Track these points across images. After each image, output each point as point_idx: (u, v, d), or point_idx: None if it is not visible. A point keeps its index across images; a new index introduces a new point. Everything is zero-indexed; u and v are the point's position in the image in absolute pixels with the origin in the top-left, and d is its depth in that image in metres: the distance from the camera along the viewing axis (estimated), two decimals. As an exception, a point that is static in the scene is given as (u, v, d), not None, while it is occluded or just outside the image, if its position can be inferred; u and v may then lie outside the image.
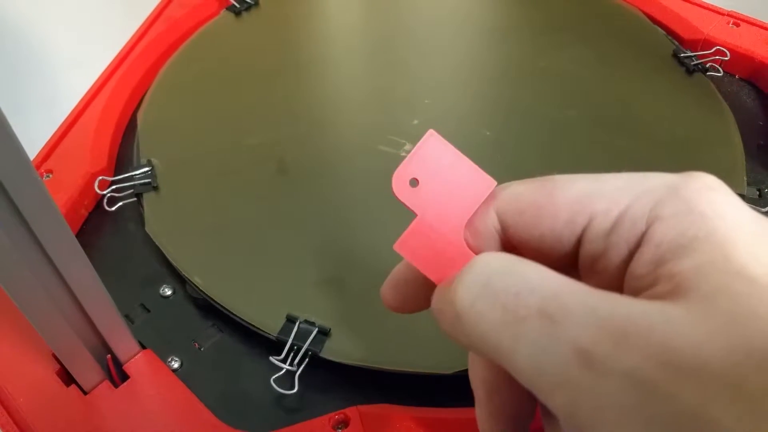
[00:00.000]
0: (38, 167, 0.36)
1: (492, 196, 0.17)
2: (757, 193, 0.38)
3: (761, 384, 0.11)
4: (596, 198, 0.15)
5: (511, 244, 0.17)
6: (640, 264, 0.14)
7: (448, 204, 0.17)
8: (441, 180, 0.17)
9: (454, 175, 0.17)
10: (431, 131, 0.17)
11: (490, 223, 0.17)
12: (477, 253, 0.16)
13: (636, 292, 0.14)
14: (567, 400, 0.12)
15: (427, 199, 0.17)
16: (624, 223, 0.15)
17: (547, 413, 0.16)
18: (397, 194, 0.17)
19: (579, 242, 0.15)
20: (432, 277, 0.16)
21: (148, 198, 0.36)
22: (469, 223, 0.17)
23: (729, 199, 0.14)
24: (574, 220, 0.15)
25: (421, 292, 0.18)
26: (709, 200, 0.14)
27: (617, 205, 0.15)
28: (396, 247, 0.17)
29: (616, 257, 0.15)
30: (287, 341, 0.29)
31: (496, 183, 0.17)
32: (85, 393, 0.28)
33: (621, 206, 0.15)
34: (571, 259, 0.16)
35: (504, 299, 0.13)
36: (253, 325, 0.30)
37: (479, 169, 0.17)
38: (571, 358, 0.12)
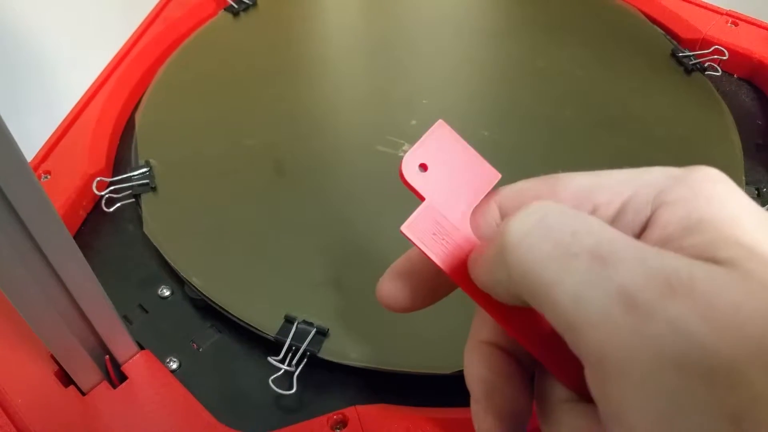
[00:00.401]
0: (36, 168, 0.36)
1: (493, 192, 0.17)
2: (756, 191, 0.38)
3: None
4: (599, 190, 0.15)
5: None
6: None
7: (454, 192, 0.17)
8: (448, 168, 0.17)
9: (460, 165, 0.17)
10: (441, 121, 0.17)
11: (491, 217, 0.17)
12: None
13: None
14: (602, 339, 0.12)
15: (434, 185, 0.17)
16: (628, 212, 0.15)
17: (545, 411, 0.16)
18: (406, 177, 0.17)
19: None
20: (437, 261, 0.16)
21: (146, 199, 0.36)
22: (471, 217, 0.17)
23: (732, 188, 0.14)
24: (579, 208, 0.15)
25: (421, 284, 0.18)
26: (714, 189, 0.14)
27: (620, 195, 0.15)
28: (403, 229, 0.17)
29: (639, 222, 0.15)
30: (285, 341, 0.29)
31: (500, 175, 0.17)
32: (83, 394, 0.28)
33: (624, 196, 0.15)
34: None
35: (558, 236, 0.13)
36: (252, 326, 0.30)
37: (485, 160, 0.17)
38: (616, 298, 0.12)
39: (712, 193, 0.14)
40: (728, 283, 0.12)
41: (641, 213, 0.15)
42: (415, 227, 0.17)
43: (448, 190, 0.17)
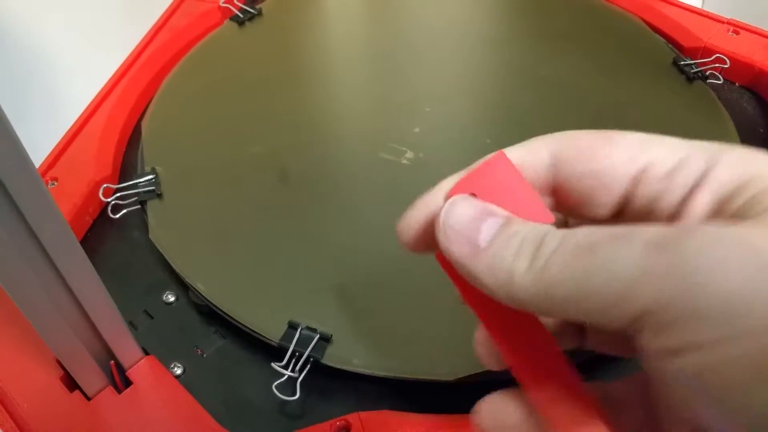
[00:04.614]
0: (43, 175, 0.37)
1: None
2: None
3: None
4: (654, 147, 0.15)
5: (553, 189, 0.17)
6: (700, 202, 0.14)
7: None
8: (499, 202, 0.16)
9: (513, 201, 0.16)
10: (501, 151, 0.16)
11: (540, 160, 0.16)
12: None
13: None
14: (653, 290, 0.12)
15: None
16: (684, 167, 0.15)
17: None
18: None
19: (632, 185, 0.15)
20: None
21: (152, 205, 0.36)
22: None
23: None
24: (635, 159, 0.15)
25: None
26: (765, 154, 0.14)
27: (675, 153, 0.15)
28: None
29: (674, 198, 0.15)
30: (289, 348, 0.29)
31: (554, 219, 0.16)
32: (88, 399, 0.28)
33: (680, 154, 0.15)
34: (615, 207, 0.16)
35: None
36: (256, 332, 0.30)
37: (541, 200, 0.16)
38: (645, 247, 0.12)
39: (765, 156, 0.14)
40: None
41: (697, 168, 0.15)
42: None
43: None
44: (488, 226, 0.15)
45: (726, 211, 0.14)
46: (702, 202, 0.14)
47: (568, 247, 0.13)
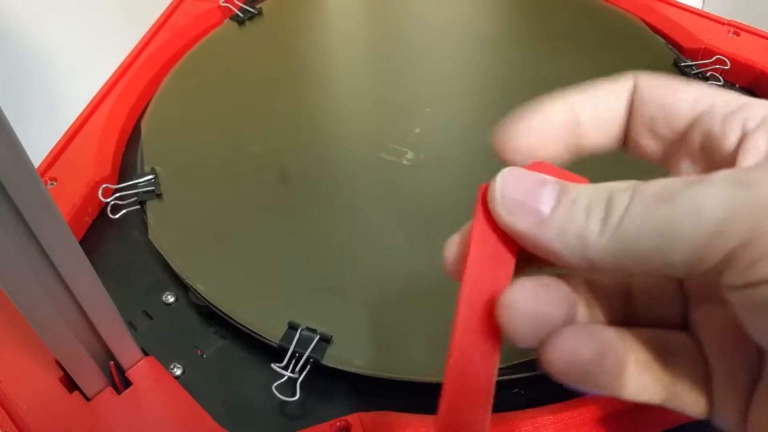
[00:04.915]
0: (42, 175, 0.37)
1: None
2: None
3: None
4: (720, 93, 0.16)
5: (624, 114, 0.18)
6: (759, 143, 0.15)
7: None
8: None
9: (551, 173, 0.16)
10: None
11: (627, 87, 0.18)
12: None
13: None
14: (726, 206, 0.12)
15: None
16: (742, 111, 0.15)
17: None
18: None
19: (691, 126, 0.16)
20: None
21: (151, 206, 0.36)
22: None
23: None
24: (699, 101, 0.16)
25: None
26: None
27: (738, 100, 0.16)
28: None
29: (732, 140, 0.15)
30: (289, 348, 0.29)
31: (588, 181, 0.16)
32: (88, 399, 0.28)
33: (742, 101, 0.16)
34: (667, 143, 0.17)
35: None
36: (255, 333, 0.30)
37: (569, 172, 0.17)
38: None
39: None
40: None
41: (757, 115, 0.15)
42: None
43: None
44: (547, 192, 0.15)
45: None
46: (762, 144, 0.15)
47: (646, 199, 0.13)
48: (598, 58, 0.47)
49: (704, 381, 0.16)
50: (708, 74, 0.46)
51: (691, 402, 0.16)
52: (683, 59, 0.46)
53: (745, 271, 0.12)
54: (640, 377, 0.16)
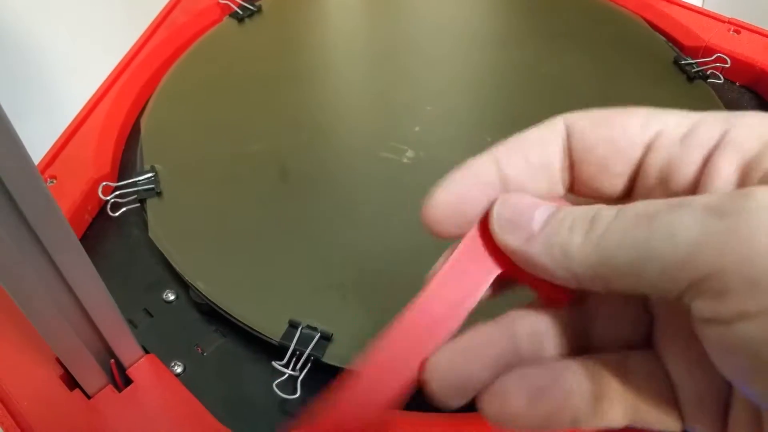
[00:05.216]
0: (42, 173, 0.36)
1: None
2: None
3: None
4: (668, 113, 0.16)
5: (570, 162, 0.17)
6: (724, 167, 0.14)
7: None
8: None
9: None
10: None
11: (557, 131, 0.17)
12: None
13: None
14: (714, 253, 0.12)
15: None
16: (698, 130, 0.15)
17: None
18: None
19: (646, 152, 0.16)
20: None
21: (151, 203, 0.36)
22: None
23: None
24: (648, 125, 0.16)
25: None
26: None
27: (689, 118, 0.15)
28: None
29: (691, 166, 0.15)
30: (290, 346, 0.29)
31: None
32: (88, 397, 0.28)
33: (694, 118, 0.15)
34: (629, 177, 0.16)
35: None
36: (256, 330, 0.30)
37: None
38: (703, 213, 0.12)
39: None
40: None
41: (711, 135, 0.15)
42: None
43: None
44: (540, 212, 0.15)
45: (754, 174, 0.14)
46: (725, 167, 0.14)
47: (628, 217, 0.14)
48: (599, 56, 0.47)
49: (673, 399, 0.16)
50: (708, 72, 0.46)
51: (660, 420, 0.16)
52: (683, 57, 0.46)
53: (713, 304, 0.12)
54: (599, 404, 0.16)
